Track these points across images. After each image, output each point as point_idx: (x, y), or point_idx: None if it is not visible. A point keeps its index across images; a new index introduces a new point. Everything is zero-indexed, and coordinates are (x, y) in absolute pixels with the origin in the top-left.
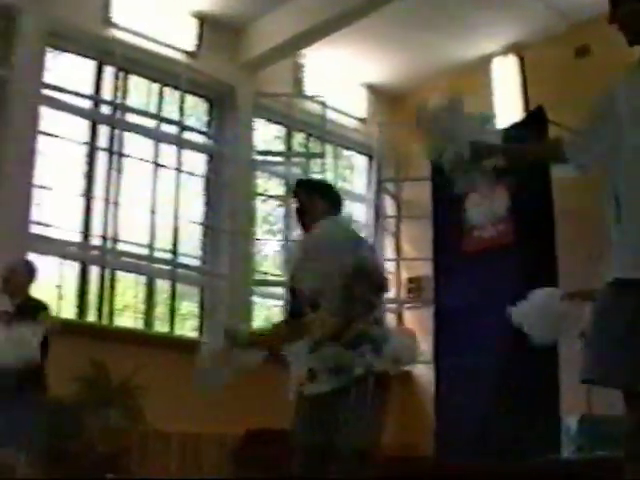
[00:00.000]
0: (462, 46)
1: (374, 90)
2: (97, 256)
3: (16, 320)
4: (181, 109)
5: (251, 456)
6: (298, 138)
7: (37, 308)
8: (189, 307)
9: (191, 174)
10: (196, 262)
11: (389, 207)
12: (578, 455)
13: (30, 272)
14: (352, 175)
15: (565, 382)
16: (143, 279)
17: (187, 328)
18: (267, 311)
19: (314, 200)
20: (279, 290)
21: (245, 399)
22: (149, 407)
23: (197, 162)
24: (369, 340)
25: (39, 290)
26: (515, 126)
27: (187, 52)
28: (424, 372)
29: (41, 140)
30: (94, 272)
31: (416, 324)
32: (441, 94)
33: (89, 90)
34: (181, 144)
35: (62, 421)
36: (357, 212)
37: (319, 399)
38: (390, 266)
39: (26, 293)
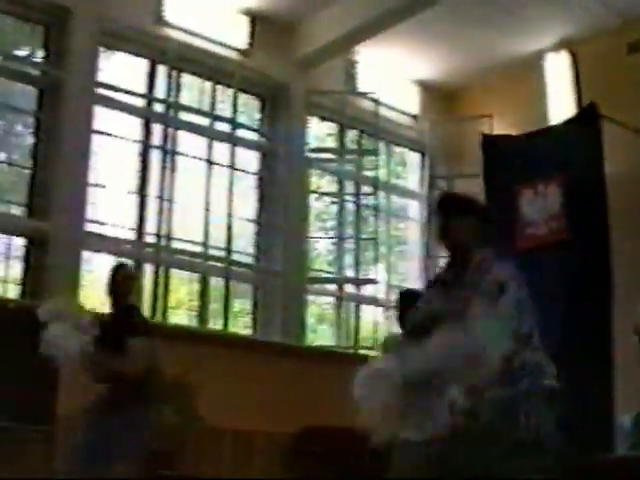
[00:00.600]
0: (514, 42)
1: (426, 87)
2: (151, 254)
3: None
4: (234, 107)
5: (306, 453)
6: (351, 135)
7: (134, 328)
8: (243, 305)
9: (244, 172)
10: (250, 260)
11: None
12: (632, 453)
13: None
14: (405, 172)
15: (619, 379)
16: (197, 276)
17: (241, 325)
18: (320, 309)
19: (464, 219)
20: (332, 287)
21: (298, 397)
22: (203, 404)
23: (250, 160)
24: (529, 372)
25: (95, 288)
26: (568, 122)
27: (239, 50)
28: None
29: (95, 139)
30: (148, 270)
31: None
32: None
33: (142, 89)
34: (234, 142)
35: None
36: (410, 209)
37: None
38: (443, 262)
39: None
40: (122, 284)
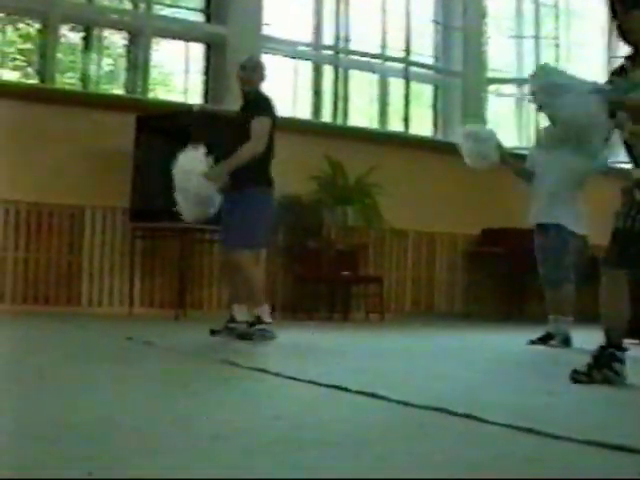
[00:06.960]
0: None
1: None
2: (329, 56)
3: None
4: None
5: (485, 253)
6: None
7: (257, 108)
8: (423, 106)
9: None
10: (429, 60)
11: None
12: None
13: (256, 69)
14: None
15: None
16: (376, 79)
17: (421, 127)
18: (499, 109)
19: (632, 15)
20: (512, 88)
21: (479, 200)
22: (385, 205)
23: None
24: None
25: (273, 92)
26: None
27: None
28: None
29: None
30: (327, 72)
31: None
32: None
33: None
34: None
35: (301, 219)
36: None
37: None
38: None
39: (254, 88)
40: (239, 78)
